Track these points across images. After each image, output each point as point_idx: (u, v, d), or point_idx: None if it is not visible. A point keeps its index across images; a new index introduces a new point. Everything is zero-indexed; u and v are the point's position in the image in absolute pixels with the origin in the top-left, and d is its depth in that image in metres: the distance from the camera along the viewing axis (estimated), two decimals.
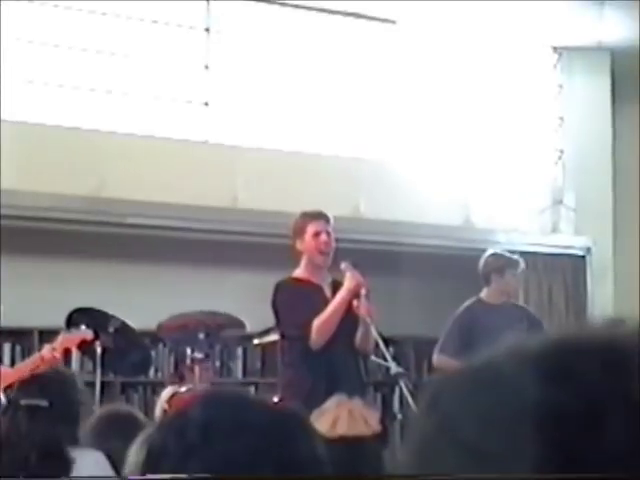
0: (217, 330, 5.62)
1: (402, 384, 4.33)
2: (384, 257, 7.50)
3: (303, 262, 4.67)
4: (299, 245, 4.65)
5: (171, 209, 7.03)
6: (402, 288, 7.99)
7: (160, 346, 7.28)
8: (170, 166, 7.22)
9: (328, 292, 4.61)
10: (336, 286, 4.57)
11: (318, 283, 4.63)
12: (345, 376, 4.44)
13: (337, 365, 4.48)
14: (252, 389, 7.42)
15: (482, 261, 5.76)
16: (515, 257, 5.81)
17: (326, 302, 4.53)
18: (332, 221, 4.68)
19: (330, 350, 4.46)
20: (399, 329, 7.79)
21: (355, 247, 6.99)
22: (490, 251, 5.90)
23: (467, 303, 5.73)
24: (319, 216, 4.65)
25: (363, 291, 4.48)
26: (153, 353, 6.80)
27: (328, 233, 4.60)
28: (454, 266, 7.68)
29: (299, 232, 4.63)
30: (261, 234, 7.13)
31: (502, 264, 5.70)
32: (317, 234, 4.59)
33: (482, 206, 8.21)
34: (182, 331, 5.56)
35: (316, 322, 4.43)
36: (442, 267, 7.78)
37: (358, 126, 8.09)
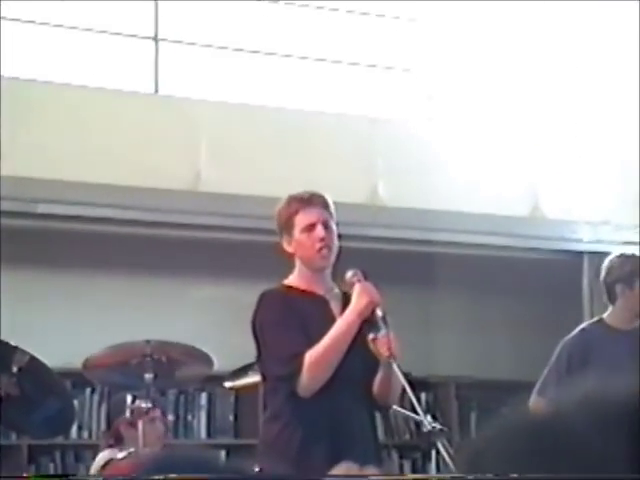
0: (171, 368, 5.63)
1: (440, 446, 4.31)
2: (412, 261, 7.49)
3: (296, 268, 4.66)
4: (287, 245, 4.65)
5: (103, 193, 7.03)
6: (439, 306, 7.98)
7: (87, 392, 7.31)
8: (103, 129, 7.21)
9: (336, 307, 4.61)
10: (348, 299, 4.57)
11: (321, 294, 4.63)
12: (355, 435, 4.43)
13: (343, 419, 4.47)
14: (222, 453, 7.44)
15: (604, 267, 5.72)
16: None
17: (333, 322, 4.52)
18: (332, 206, 4.66)
19: (332, 397, 4.44)
20: (435, 367, 7.79)
21: (371, 247, 6.99)
22: (615, 253, 5.84)
23: (584, 325, 5.70)
24: (311, 200, 4.63)
25: (379, 312, 4.45)
26: (76, 402, 6.79)
27: (325, 224, 4.59)
28: (515, 274, 7.68)
29: (285, 226, 4.63)
30: (234, 229, 7.13)
31: (630, 271, 5.62)
32: (310, 227, 4.58)
33: (556, 190, 8.22)
34: (120, 370, 5.56)
35: (308, 356, 4.42)
36: (498, 276, 7.77)
37: (375, 75, 8.09)
